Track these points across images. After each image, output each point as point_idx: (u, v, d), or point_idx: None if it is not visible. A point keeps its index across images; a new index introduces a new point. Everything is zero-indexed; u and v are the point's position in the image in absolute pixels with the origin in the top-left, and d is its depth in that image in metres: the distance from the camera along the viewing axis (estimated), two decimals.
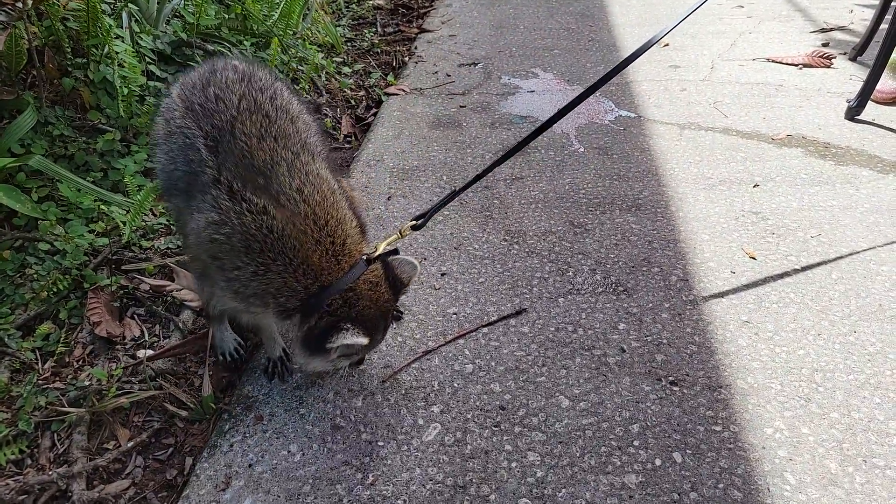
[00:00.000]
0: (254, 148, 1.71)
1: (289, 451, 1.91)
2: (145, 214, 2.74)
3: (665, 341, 2.27)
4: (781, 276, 2.56)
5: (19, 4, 2.83)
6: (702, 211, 2.98)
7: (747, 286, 2.51)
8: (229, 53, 3.69)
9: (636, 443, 1.91)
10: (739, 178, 3.22)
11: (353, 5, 5.84)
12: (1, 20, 3.13)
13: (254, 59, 3.82)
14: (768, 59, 4.60)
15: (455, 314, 2.41)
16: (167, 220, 2.83)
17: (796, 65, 4.50)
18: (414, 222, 2.02)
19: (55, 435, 2.00)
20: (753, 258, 2.66)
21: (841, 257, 2.64)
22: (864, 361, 2.16)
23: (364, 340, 1.69)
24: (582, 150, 3.53)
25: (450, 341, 2.29)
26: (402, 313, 2.42)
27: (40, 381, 2.12)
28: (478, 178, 2.11)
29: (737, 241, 2.77)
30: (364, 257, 1.81)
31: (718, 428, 1.95)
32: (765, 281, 2.54)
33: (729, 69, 4.47)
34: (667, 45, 4.88)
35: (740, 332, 2.30)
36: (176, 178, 1.84)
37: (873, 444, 1.88)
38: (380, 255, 1.86)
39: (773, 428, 1.94)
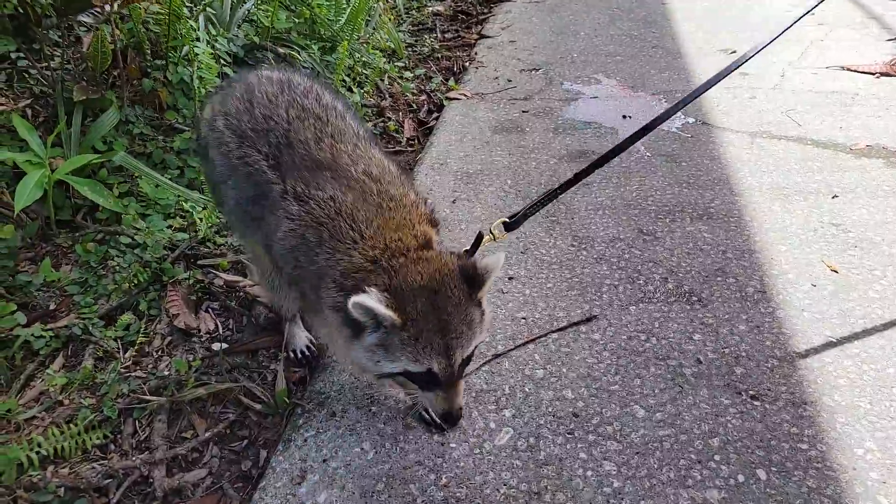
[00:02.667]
0: (313, 150, 1.72)
1: (362, 449, 1.92)
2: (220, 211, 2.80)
3: (744, 354, 2.20)
4: (866, 290, 2.45)
5: (107, 7, 2.96)
6: (778, 221, 2.88)
7: (830, 300, 2.41)
8: (298, 57, 3.77)
9: (717, 457, 1.85)
10: (816, 189, 3.10)
11: (413, 11, 5.90)
12: (88, 22, 3.28)
13: (321, 63, 3.89)
14: (843, 68, 4.44)
15: (524, 318, 2.39)
16: None
17: (873, 73, 4.32)
18: (505, 220, 1.87)
19: (137, 422, 2.06)
20: (835, 271, 2.56)
21: None
22: None
23: (388, 312, 1.44)
24: (649, 156, 3.47)
25: (520, 346, 2.27)
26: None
27: (122, 370, 2.19)
28: (575, 180, 1.96)
29: (816, 253, 2.67)
30: (453, 252, 1.67)
31: (805, 446, 1.87)
32: (849, 295, 2.43)
33: (801, 77, 4.33)
34: (734, 52, 4.76)
35: (826, 350, 2.21)
36: (248, 207, 1.84)
37: None
38: (467, 250, 1.79)
39: (864, 448, 1.85)
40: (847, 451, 1.84)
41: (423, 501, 1.76)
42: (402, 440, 1.94)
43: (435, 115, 4.14)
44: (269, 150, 1.76)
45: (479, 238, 1.87)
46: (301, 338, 2.30)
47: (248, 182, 1.81)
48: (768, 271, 2.58)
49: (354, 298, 1.42)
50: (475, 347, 1.63)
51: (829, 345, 2.22)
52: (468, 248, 1.85)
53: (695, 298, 2.46)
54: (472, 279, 1.57)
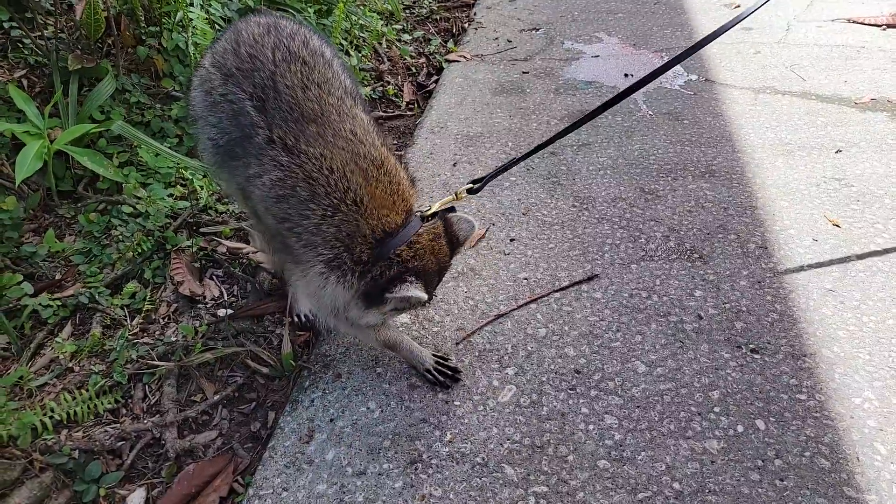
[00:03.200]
0: (300, 99, 1.69)
1: (368, 408, 1.96)
2: None
3: (744, 309, 2.21)
4: (868, 243, 2.45)
5: None
6: (780, 177, 2.86)
7: (831, 254, 2.41)
8: (294, 19, 3.71)
9: (716, 409, 1.88)
10: (820, 144, 3.08)
11: None
12: None
13: (317, 25, 3.84)
14: (849, 20, 4.35)
15: (526, 279, 2.41)
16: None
17: (879, 25, 4.24)
18: (470, 185, 1.96)
19: (146, 387, 2.10)
20: (837, 226, 2.55)
21: None
22: None
23: (424, 296, 1.63)
24: (651, 115, 3.43)
25: (522, 305, 2.29)
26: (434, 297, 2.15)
27: (130, 337, 2.22)
28: (542, 146, 2.01)
29: (819, 208, 2.66)
30: (418, 212, 1.78)
31: (803, 396, 1.90)
32: (850, 249, 2.44)
33: (806, 31, 4.25)
34: (737, 6, 4.67)
35: (824, 300, 2.22)
36: (229, 146, 1.80)
37: None
38: (435, 212, 1.83)
39: (862, 398, 1.88)
40: (845, 401, 1.87)
41: (428, 457, 1.80)
42: (407, 399, 1.98)
43: (434, 78, 4.10)
44: (253, 91, 1.72)
45: (454, 199, 1.95)
46: (304, 302, 2.32)
47: (230, 121, 1.78)
48: (770, 227, 2.58)
49: (403, 293, 1.60)
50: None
51: (829, 298, 2.23)
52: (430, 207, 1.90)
53: (696, 255, 2.46)
54: (455, 243, 1.81)
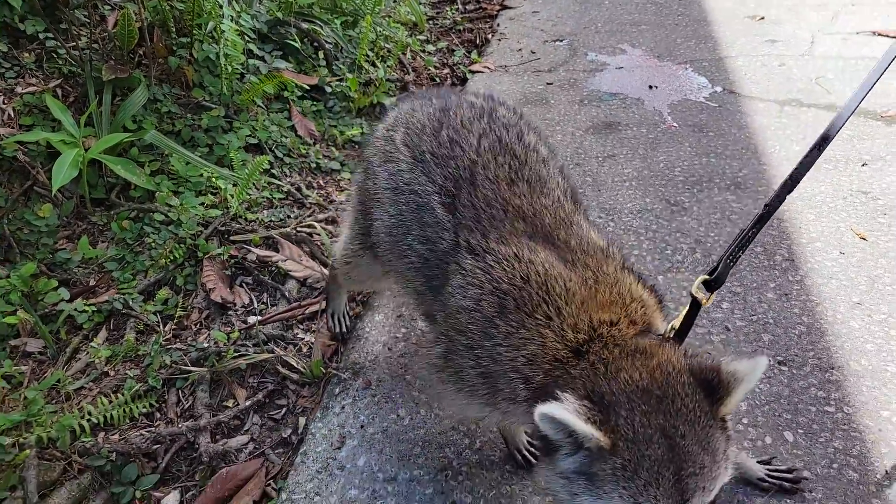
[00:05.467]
0: (503, 192, 1.41)
1: (398, 415, 1.99)
2: (250, 188, 2.86)
3: (771, 321, 2.21)
4: (895, 257, 2.45)
5: None
6: (806, 190, 2.86)
7: (858, 267, 2.41)
8: (321, 31, 3.78)
9: (745, 420, 1.88)
10: (846, 157, 3.07)
11: None
12: (113, 0, 3.32)
13: (343, 37, 3.90)
14: (874, 33, 4.33)
15: None
16: (269, 195, 2.95)
17: None
18: (705, 277, 1.41)
19: (180, 392, 2.14)
20: (864, 239, 2.55)
21: None
22: None
23: (589, 429, 1.05)
24: (677, 126, 3.44)
25: None
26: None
27: (163, 342, 2.27)
28: (768, 213, 1.52)
29: (845, 221, 2.65)
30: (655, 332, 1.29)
31: (831, 409, 1.89)
32: (877, 262, 2.43)
33: (831, 43, 4.24)
34: (762, 18, 4.67)
35: (852, 314, 2.22)
36: (404, 247, 1.55)
37: None
38: (674, 330, 1.32)
39: (891, 410, 1.87)
40: (873, 414, 1.86)
41: (458, 464, 1.82)
42: (436, 407, 2.00)
43: (459, 88, 4.14)
44: (444, 183, 1.47)
45: (696, 306, 1.37)
46: (342, 302, 2.32)
47: (414, 219, 1.51)
48: (797, 240, 2.58)
49: (541, 409, 1.05)
50: (719, 491, 1.14)
51: (857, 311, 2.22)
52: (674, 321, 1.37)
53: None
54: (712, 387, 1.13)
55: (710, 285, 1.40)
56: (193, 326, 2.36)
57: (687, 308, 1.36)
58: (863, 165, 3.00)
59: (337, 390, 2.09)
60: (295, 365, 2.20)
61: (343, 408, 2.02)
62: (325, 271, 2.53)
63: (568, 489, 1.15)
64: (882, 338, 2.12)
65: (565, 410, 1.05)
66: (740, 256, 1.45)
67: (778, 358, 2.08)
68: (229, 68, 3.18)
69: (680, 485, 1.04)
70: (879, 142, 3.16)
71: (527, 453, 1.76)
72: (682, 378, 1.12)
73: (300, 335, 2.35)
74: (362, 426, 1.95)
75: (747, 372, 1.12)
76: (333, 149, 3.30)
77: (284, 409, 2.12)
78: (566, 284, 1.26)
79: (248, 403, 2.09)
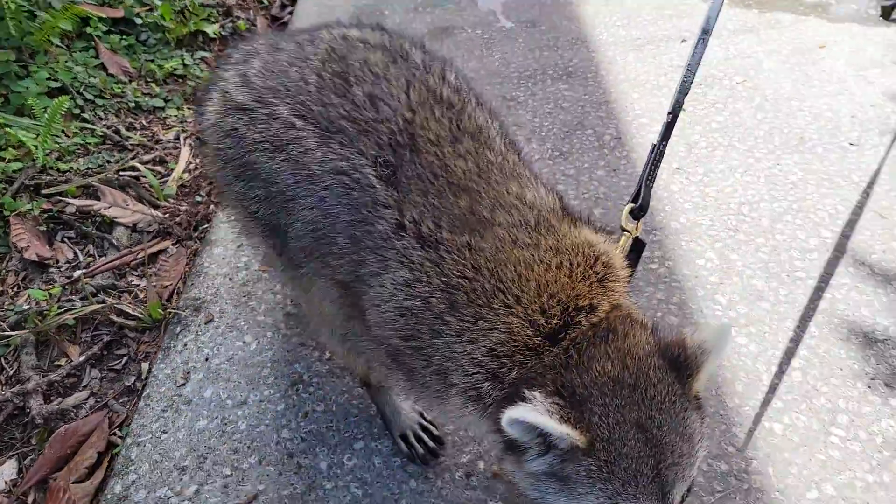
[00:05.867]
0: (448, 158, 1.19)
1: (244, 342, 1.93)
2: (57, 136, 2.59)
3: (602, 196, 2.32)
4: (709, 122, 2.61)
5: None
6: (631, 72, 2.98)
7: (677, 136, 2.56)
8: None
9: None
10: (667, 36, 3.21)
11: None
12: None
13: None
14: None
15: None
16: (83, 140, 2.68)
17: None
18: (632, 206, 1.39)
19: (2, 359, 1.96)
20: (683, 109, 2.70)
21: (765, 99, 2.71)
22: (786, 190, 2.26)
23: (563, 429, 0.96)
24: (510, 25, 3.45)
25: None
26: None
27: None
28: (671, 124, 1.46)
29: (666, 95, 2.80)
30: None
31: (655, 265, 2.04)
32: (693, 129, 2.59)
33: None
34: None
35: (673, 178, 2.37)
36: (330, 239, 1.25)
37: (796, 261, 2.00)
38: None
39: (705, 259, 2.04)
40: (691, 264, 2.03)
41: (308, 376, 1.81)
42: (283, 327, 1.96)
43: (288, 9, 3.90)
44: (378, 153, 1.20)
45: (639, 246, 1.37)
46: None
47: (338, 202, 1.23)
48: (623, 118, 2.69)
49: (510, 413, 0.95)
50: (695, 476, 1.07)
51: (677, 175, 2.37)
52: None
53: (557, 153, 2.54)
54: (680, 364, 1.06)
55: (637, 213, 1.36)
56: (10, 290, 2.15)
57: (628, 245, 1.34)
58: (682, 42, 3.15)
59: (178, 329, 2.00)
60: (131, 312, 2.07)
61: (185, 345, 1.94)
62: (156, 213, 2.38)
63: (537, 489, 1.07)
64: (698, 195, 2.28)
65: (536, 412, 0.95)
66: (656, 175, 1.39)
67: (607, 229, 2.18)
68: (12, 6, 2.80)
69: (659, 478, 0.98)
70: (697, 18, 3.32)
71: (419, 446, 1.54)
72: (653, 361, 1.04)
73: (135, 282, 2.21)
74: (206, 359, 1.89)
75: (714, 342, 1.05)
76: (154, 85, 3.03)
77: (126, 358, 2.00)
78: (518, 268, 1.11)
79: (82, 359, 1.96)
